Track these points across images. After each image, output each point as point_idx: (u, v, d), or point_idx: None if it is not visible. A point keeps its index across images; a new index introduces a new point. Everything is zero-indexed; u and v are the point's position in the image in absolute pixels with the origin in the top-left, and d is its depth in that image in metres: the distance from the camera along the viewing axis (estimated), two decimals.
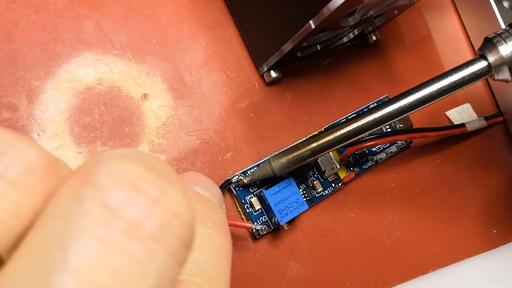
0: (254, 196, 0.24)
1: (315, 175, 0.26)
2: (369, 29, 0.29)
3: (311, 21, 0.21)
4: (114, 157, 0.10)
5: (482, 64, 0.21)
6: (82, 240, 0.09)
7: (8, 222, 0.09)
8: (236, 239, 0.24)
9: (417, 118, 0.30)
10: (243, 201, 0.24)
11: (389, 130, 0.29)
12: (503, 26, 0.29)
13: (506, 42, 0.20)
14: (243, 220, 0.24)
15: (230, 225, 0.22)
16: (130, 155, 0.10)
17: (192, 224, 0.10)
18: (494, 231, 0.31)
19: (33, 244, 0.09)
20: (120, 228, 0.09)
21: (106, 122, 0.23)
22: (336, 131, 0.22)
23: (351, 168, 0.28)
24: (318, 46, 0.26)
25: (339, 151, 0.27)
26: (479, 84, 0.33)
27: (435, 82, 0.21)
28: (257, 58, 0.26)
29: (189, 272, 0.12)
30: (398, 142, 0.29)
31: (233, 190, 0.24)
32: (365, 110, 0.28)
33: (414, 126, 0.30)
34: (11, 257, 0.09)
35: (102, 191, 0.09)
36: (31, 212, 0.10)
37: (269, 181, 0.25)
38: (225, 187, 0.24)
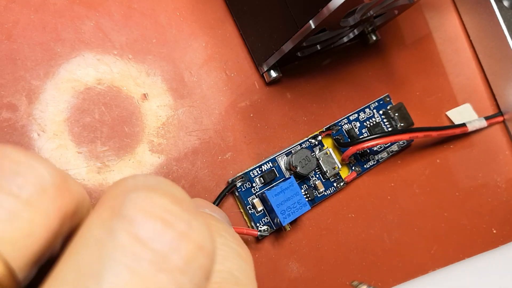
0: (256, 197, 0.24)
1: (317, 175, 0.26)
2: (369, 29, 0.28)
3: (311, 21, 0.21)
4: (141, 189, 0.10)
5: None
6: (115, 271, 0.09)
7: (22, 241, 0.10)
8: None
9: (417, 118, 0.30)
10: (245, 202, 0.24)
11: (390, 129, 0.29)
12: (503, 26, 0.29)
13: None
14: (245, 221, 0.24)
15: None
16: (154, 185, 0.10)
17: (214, 255, 0.11)
18: (494, 231, 0.31)
19: (66, 273, 0.09)
20: (150, 259, 0.09)
21: (106, 122, 0.23)
22: None
23: (353, 168, 0.27)
24: (318, 46, 0.26)
25: (340, 151, 0.27)
26: (480, 84, 0.33)
27: None
28: (257, 58, 0.26)
29: (222, 280, 0.12)
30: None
31: (235, 191, 0.24)
32: (365, 108, 0.29)
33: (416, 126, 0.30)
34: (44, 284, 0.09)
35: (132, 223, 0.10)
36: (44, 231, 0.10)
37: (272, 181, 0.25)
38: (229, 190, 0.24)
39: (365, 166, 0.28)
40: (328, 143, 0.27)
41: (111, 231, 0.09)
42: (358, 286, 0.20)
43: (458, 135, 0.31)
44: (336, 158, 0.26)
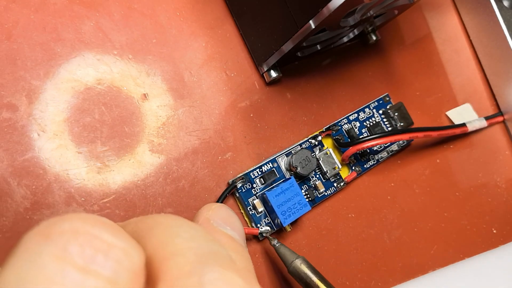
0: (257, 198, 0.24)
1: (317, 176, 0.26)
2: (369, 29, 0.28)
3: (311, 21, 0.21)
4: (211, 263, 0.11)
5: None
6: None
7: None
8: None
9: (417, 118, 0.30)
10: (246, 203, 0.24)
11: (390, 129, 0.29)
12: (503, 26, 0.29)
13: None
14: (246, 222, 0.24)
15: None
16: (215, 254, 0.12)
17: None
18: (494, 231, 0.31)
19: None
20: None
21: (106, 122, 0.23)
22: None
23: (353, 168, 0.27)
24: (318, 46, 0.26)
25: (340, 151, 0.27)
26: (480, 84, 0.33)
27: None
28: (257, 58, 0.26)
29: None
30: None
31: (236, 192, 0.24)
32: (365, 108, 0.29)
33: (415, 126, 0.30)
34: None
35: None
36: None
37: (272, 182, 0.25)
38: (230, 191, 0.24)
39: (365, 166, 0.28)
40: (328, 143, 0.27)
41: None
42: (272, 240, 0.23)
43: (458, 135, 0.31)
44: (336, 158, 0.26)
